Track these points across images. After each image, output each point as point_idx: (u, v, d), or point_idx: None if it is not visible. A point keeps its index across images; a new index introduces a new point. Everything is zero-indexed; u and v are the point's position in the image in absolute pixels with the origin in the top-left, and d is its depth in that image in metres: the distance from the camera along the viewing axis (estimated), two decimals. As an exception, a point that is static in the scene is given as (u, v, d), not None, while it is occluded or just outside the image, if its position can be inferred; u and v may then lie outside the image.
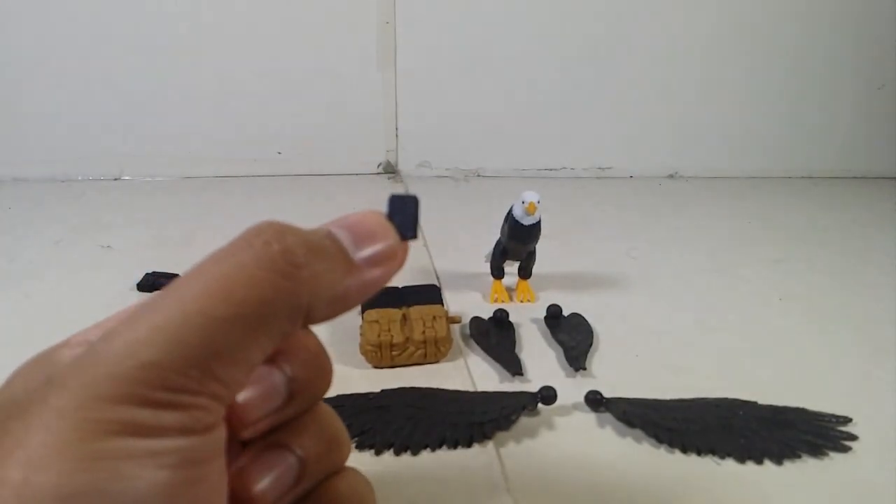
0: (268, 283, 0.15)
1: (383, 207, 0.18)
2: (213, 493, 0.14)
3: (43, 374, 0.14)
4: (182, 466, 0.13)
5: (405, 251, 0.18)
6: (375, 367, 0.40)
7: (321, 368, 0.19)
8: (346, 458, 0.20)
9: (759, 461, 0.32)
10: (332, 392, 0.36)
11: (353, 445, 0.32)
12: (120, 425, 0.12)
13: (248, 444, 0.18)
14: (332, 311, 0.17)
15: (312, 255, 0.16)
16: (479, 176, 0.94)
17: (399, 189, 0.82)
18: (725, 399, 0.37)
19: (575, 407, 0.37)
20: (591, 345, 0.43)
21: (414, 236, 0.18)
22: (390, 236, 0.17)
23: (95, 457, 0.12)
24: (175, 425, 0.13)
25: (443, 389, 0.37)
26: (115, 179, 0.86)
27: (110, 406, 0.12)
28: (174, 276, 0.44)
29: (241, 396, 0.17)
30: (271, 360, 0.18)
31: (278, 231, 0.15)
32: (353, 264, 0.17)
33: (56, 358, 0.16)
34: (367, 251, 0.17)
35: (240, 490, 0.17)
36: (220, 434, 0.15)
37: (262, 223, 0.16)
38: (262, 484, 0.17)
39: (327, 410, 0.20)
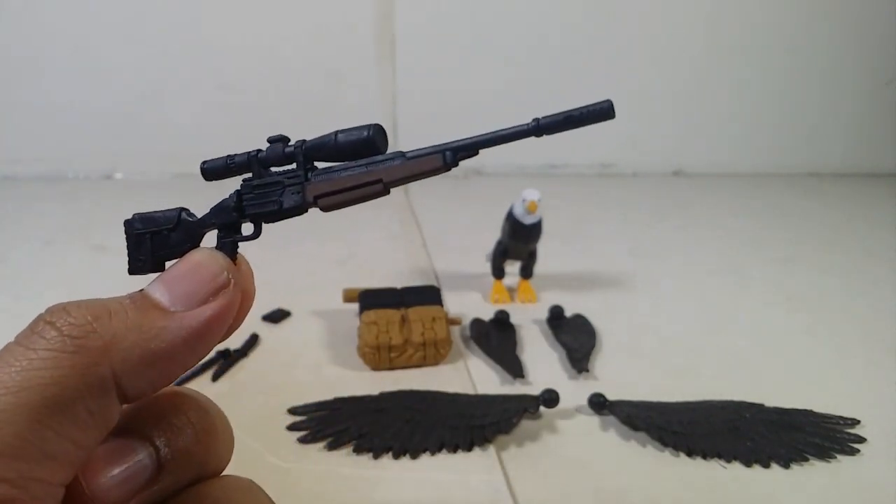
0: (49, 362, 0.13)
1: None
2: None
3: None
4: None
5: (243, 275, 0.17)
6: (374, 370, 0.40)
7: (204, 435, 0.16)
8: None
9: (766, 464, 0.32)
10: (330, 394, 0.36)
11: (352, 448, 0.32)
12: None
13: None
14: (155, 372, 0.15)
15: (104, 319, 0.14)
16: (479, 173, 0.93)
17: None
18: (731, 401, 0.36)
19: (578, 410, 0.36)
20: (594, 346, 0.43)
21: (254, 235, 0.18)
22: (213, 269, 0.16)
23: None
24: None
25: (442, 392, 0.37)
26: (108, 178, 0.85)
27: None
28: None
29: (98, 479, 0.15)
30: (135, 430, 0.16)
31: (60, 309, 0.15)
32: (165, 311, 0.15)
33: None
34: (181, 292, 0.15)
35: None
36: None
37: (48, 308, 0.15)
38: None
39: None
